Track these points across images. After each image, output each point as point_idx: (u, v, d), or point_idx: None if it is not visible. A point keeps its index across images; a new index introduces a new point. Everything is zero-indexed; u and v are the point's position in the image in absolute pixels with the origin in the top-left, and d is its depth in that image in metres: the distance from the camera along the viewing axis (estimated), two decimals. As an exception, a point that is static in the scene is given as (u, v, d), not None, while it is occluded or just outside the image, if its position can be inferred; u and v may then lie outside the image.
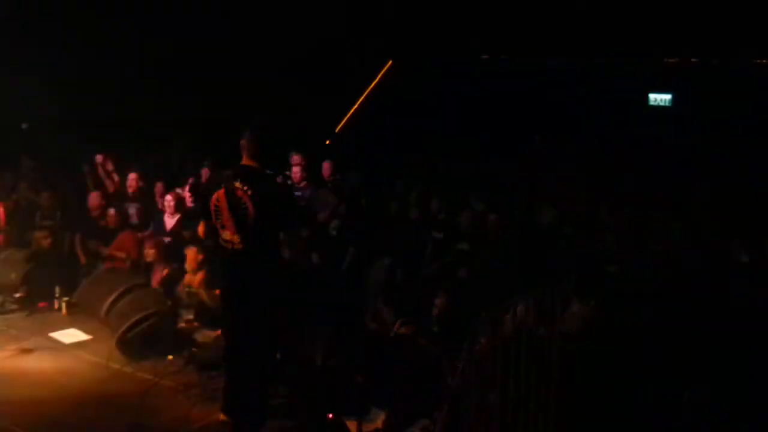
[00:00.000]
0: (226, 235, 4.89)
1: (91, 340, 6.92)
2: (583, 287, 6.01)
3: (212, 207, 4.92)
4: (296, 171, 9.25)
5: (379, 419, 5.06)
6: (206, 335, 6.72)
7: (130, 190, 9.83)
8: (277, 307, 4.97)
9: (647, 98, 15.88)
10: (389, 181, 10.92)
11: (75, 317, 7.43)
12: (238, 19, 14.92)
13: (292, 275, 5.11)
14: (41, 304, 7.76)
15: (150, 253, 8.00)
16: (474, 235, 8.10)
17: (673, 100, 15.68)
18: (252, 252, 4.83)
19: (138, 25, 13.45)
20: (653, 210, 8.69)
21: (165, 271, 7.77)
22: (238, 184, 4.81)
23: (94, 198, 9.26)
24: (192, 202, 8.61)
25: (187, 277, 7.48)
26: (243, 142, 4.95)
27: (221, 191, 4.87)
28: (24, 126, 13.95)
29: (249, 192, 4.77)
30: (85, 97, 13.28)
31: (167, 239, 8.45)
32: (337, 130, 17.50)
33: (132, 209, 9.50)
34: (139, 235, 8.76)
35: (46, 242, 8.50)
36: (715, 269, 6.68)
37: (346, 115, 18.27)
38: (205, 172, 9.73)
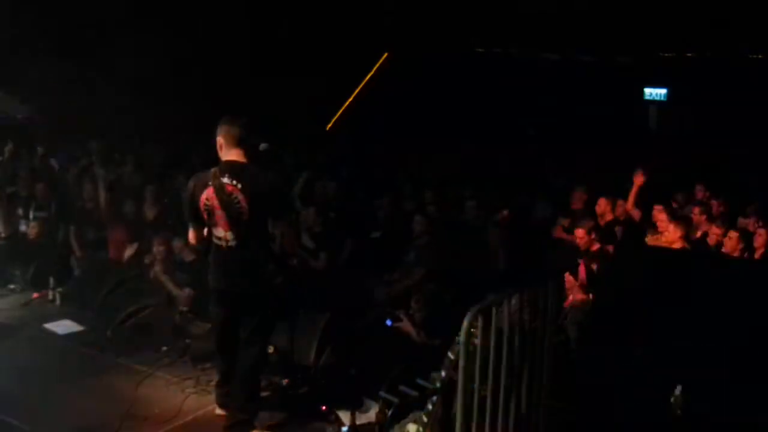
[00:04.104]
0: (219, 232, 4.84)
1: (85, 331, 6.90)
2: (589, 280, 6.04)
3: (202, 206, 4.83)
4: None
5: (373, 411, 5.06)
6: (201, 327, 6.70)
7: None
8: (271, 300, 4.94)
9: (642, 92, 15.91)
10: (386, 173, 10.95)
11: (69, 308, 7.41)
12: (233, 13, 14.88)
13: (286, 268, 5.05)
14: (35, 295, 7.75)
15: (160, 250, 7.83)
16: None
17: (669, 94, 15.72)
18: (245, 247, 4.79)
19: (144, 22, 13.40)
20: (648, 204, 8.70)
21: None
22: (226, 180, 4.74)
23: (90, 189, 9.26)
24: None
25: None
26: (222, 138, 4.84)
27: (210, 189, 4.78)
28: (19, 116, 13.92)
29: (239, 186, 4.71)
30: (89, 89, 13.26)
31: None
32: (329, 125, 17.49)
33: None
34: None
35: (38, 233, 8.50)
36: (708, 263, 6.69)
37: (340, 108, 18.26)
38: None
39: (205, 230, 4.97)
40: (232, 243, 4.80)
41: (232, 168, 4.79)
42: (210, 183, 4.79)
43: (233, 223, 4.75)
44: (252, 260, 4.79)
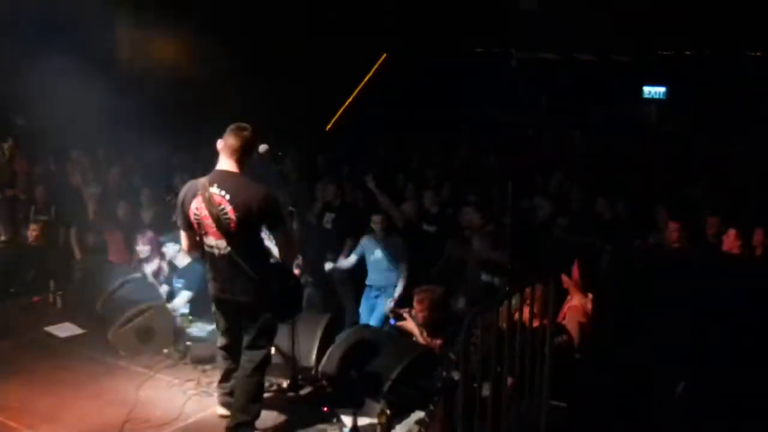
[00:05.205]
0: (211, 241, 4.83)
1: (86, 334, 6.89)
2: (585, 280, 6.03)
3: (192, 216, 4.84)
4: None
5: (375, 412, 5.07)
6: (202, 329, 6.71)
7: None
8: (271, 303, 4.93)
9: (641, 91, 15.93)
10: (387, 175, 10.93)
11: (70, 311, 7.40)
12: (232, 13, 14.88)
13: (283, 270, 5.04)
14: (36, 299, 7.74)
15: (144, 249, 7.88)
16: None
17: (668, 92, 15.74)
18: (239, 255, 4.77)
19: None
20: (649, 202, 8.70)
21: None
22: (215, 190, 4.73)
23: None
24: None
25: None
26: (223, 144, 4.81)
27: (199, 199, 4.77)
28: (20, 121, 13.88)
29: (227, 197, 4.69)
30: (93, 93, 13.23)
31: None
32: (329, 127, 17.49)
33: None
34: None
35: (38, 236, 8.49)
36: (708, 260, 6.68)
37: (339, 110, 18.27)
38: None
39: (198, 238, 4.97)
40: (224, 251, 4.80)
41: (222, 178, 4.78)
42: (199, 193, 4.78)
43: (223, 233, 4.75)
44: (247, 268, 4.78)
